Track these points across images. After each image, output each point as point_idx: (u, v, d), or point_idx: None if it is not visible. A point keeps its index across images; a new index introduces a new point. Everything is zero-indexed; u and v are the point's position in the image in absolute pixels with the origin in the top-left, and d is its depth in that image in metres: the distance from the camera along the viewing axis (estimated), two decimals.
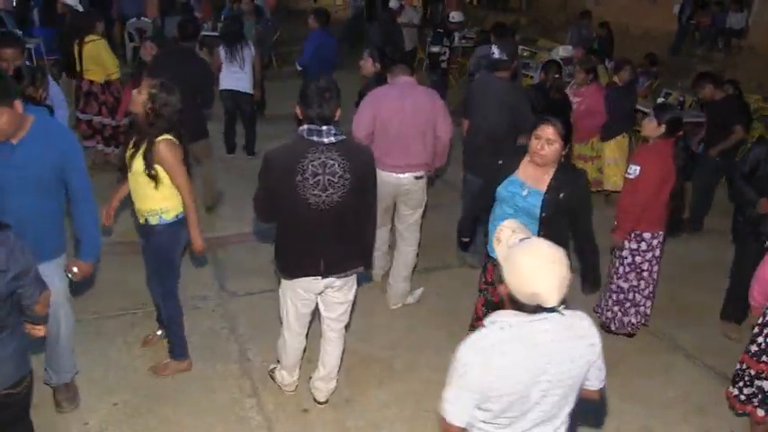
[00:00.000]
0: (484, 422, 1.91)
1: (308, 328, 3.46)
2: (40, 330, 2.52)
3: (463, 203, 5.02)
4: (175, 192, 3.30)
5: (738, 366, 3.45)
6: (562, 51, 7.98)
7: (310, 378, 3.55)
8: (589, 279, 3.40)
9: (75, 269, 3.07)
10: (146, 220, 3.35)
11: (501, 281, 1.84)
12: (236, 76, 6.60)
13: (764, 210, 4.09)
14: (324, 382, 3.47)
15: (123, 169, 3.40)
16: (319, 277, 3.10)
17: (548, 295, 1.74)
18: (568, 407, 1.96)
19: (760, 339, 3.31)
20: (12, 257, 2.18)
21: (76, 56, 6.04)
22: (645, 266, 4.11)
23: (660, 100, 8.25)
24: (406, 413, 3.56)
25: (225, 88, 6.70)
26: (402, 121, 4.13)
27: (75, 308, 4.15)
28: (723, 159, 5.78)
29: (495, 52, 4.63)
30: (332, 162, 2.88)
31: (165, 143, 3.18)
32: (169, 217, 3.33)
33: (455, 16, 9.27)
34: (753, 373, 3.35)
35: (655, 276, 4.20)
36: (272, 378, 3.65)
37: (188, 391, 3.61)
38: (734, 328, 4.42)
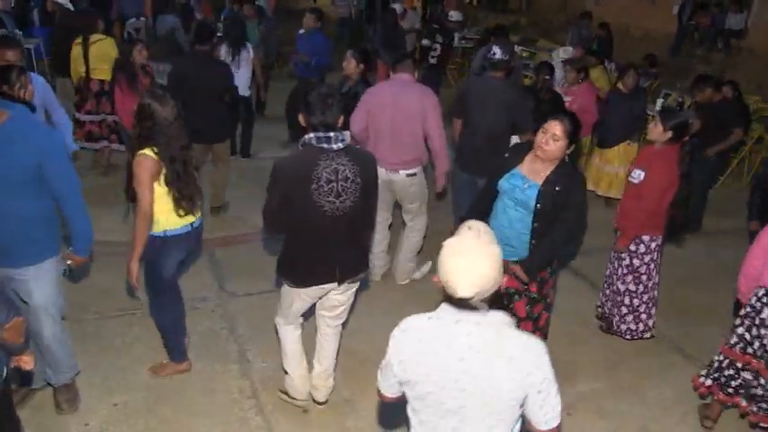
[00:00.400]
0: (413, 411, 1.94)
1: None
2: (25, 363, 2.40)
3: (453, 201, 5.06)
4: (168, 207, 3.21)
5: (718, 357, 3.50)
6: (562, 52, 7.98)
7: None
8: (526, 262, 3.27)
9: (69, 262, 3.08)
10: None
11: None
12: None
13: (753, 229, 4.13)
14: (322, 379, 3.47)
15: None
16: (335, 284, 3.11)
17: (456, 283, 1.72)
18: None
19: (741, 330, 3.36)
20: None
21: (81, 56, 6.02)
22: (642, 270, 4.07)
23: (660, 101, 8.25)
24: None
25: None
26: (393, 117, 4.25)
27: (74, 308, 4.19)
28: (719, 160, 5.80)
29: (497, 52, 4.64)
30: (343, 168, 2.89)
31: (139, 159, 3.10)
32: (156, 230, 3.25)
33: (453, 15, 9.28)
34: (739, 365, 3.40)
35: (654, 283, 4.15)
36: (286, 393, 3.51)
37: (188, 391, 3.62)
38: None
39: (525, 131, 4.63)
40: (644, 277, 4.10)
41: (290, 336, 3.38)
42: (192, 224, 3.36)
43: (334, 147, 2.88)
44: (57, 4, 7.31)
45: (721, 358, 3.47)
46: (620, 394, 3.83)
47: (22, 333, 2.32)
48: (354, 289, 3.34)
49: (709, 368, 3.55)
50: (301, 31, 7.44)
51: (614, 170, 6.42)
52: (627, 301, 4.17)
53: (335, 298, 3.26)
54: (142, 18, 10.95)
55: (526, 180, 3.25)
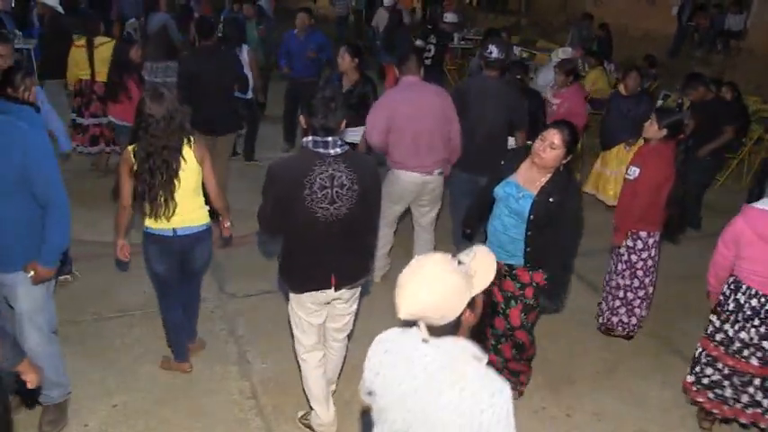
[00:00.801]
0: (374, 424, 1.88)
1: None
2: (30, 382, 2.41)
3: (451, 201, 5.04)
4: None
5: (700, 351, 3.51)
6: (561, 53, 7.98)
7: None
8: (547, 291, 3.36)
9: (32, 272, 2.89)
10: None
11: None
12: None
13: None
14: None
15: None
16: (332, 290, 3.05)
17: (398, 303, 1.65)
18: None
19: (727, 327, 3.35)
20: None
21: (85, 59, 6.01)
22: (639, 265, 4.12)
23: (659, 102, 8.26)
24: None
25: None
26: (421, 121, 4.29)
27: (73, 309, 4.19)
28: (714, 159, 5.79)
29: (494, 51, 4.65)
30: (339, 174, 2.81)
31: (123, 153, 3.22)
32: (145, 225, 3.34)
33: (448, 17, 9.30)
34: (721, 365, 3.40)
35: (650, 280, 4.18)
36: (308, 426, 3.40)
37: (187, 392, 3.62)
38: None
39: (521, 129, 4.75)
40: (640, 272, 4.14)
41: (313, 372, 3.25)
42: (174, 229, 3.32)
43: (332, 152, 2.81)
44: (47, 7, 7.24)
45: (705, 353, 3.47)
46: (618, 396, 3.84)
47: (35, 371, 2.40)
48: (357, 296, 3.28)
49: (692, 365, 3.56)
50: (295, 31, 7.32)
51: (613, 174, 6.39)
52: (621, 294, 4.22)
53: (339, 307, 3.21)
54: (142, 18, 10.97)
55: (521, 189, 3.24)
